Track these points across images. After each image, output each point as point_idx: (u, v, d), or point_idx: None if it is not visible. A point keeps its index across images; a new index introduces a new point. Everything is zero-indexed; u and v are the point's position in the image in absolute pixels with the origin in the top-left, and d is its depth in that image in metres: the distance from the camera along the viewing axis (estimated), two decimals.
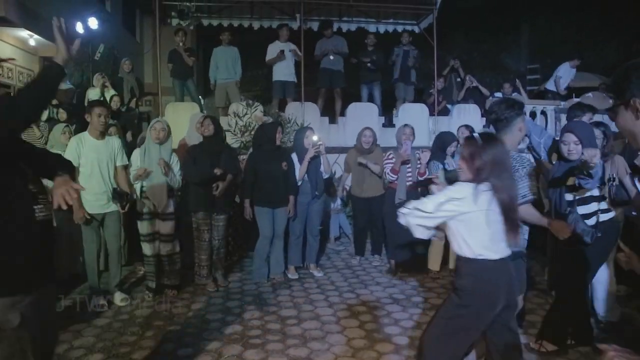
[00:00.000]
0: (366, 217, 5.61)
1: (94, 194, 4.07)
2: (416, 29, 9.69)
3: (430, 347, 2.39)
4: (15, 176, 1.84)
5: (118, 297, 4.37)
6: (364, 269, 5.39)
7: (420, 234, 2.33)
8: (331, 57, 7.95)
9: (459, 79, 8.63)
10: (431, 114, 8.27)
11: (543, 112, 8.20)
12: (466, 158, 2.31)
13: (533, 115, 7.96)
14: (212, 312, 4.11)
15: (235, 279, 5.02)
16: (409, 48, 8.48)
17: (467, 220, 2.25)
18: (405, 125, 5.31)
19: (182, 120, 7.00)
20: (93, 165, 4.09)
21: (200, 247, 4.69)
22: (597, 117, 4.51)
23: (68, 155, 4.09)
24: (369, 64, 8.13)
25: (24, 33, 9.81)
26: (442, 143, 4.96)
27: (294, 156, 5.12)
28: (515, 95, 8.59)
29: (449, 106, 8.73)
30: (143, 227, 4.45)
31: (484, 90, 8.95)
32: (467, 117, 7.93)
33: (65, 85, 7.89)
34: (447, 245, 5.28)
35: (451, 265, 5.15)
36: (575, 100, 7.80)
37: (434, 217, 2.26)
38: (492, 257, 2.26)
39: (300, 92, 8.08)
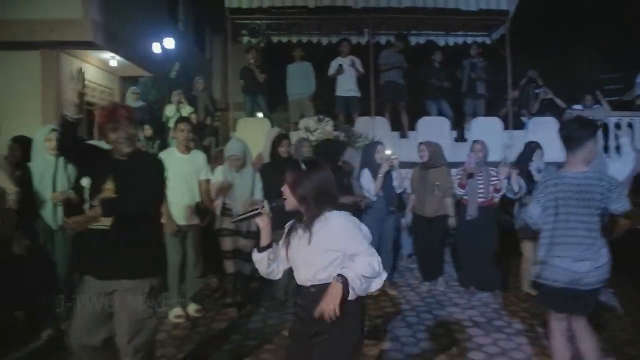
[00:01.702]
0: (427, 238, 5.30)
1: (178, 207, 4.19)
2: (487, 40, 9.44)
3: None
4: None
5: (193, 308, 4.45)
6: (439, 289, 5.20)
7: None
8: (397, 72, 7.90)
9: (537, 91, 8.25)
10: (506, 127, 7.96)
11: (629, 125, 7.67)
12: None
13: (618, 127, 7.47)
14: (287, 328, 4.09)
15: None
16: (477, 60, 8.24)
17: None
18: (475, 141, 5.18)
19: (252, 134, 7.13)
20: (179, 178, 4.19)
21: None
22: None
23: None
24: (436, 81, 7.97)
25: (107, 55, 10.46)
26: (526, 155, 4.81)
27: (366, 171, 5.05)
28: (596, 107, 8.10)
29: (523, 119, 8.37)
30: (225, 243, 4.44)
31: (560, 102, 8.50)
32: (544, 130, 7.53)
33: (137, 104, 8.30)
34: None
35: (525, 287, 4.90)
36: None
37: None
38: None
39: (366, 107, 8.04)
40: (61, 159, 3.90)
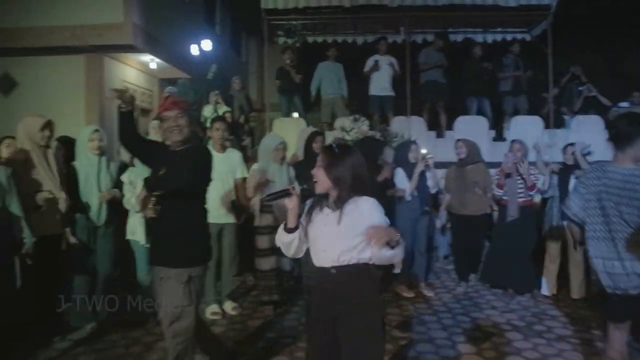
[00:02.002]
0: (466, 237, 5.23)
1: (214, 205, 4.25)
2: (527, 37, 9.18)
3: None
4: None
5: (229, 306, 4.51)
6: (476, 291, 5.10)
7: None
8: (437, 71, 7.77)
9: (580, 88, 7.95)
10: (547, 126, 7.72)
11: None
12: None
13: None
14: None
15: None
16: (518, 58, 8.01)
17: None
18: (514, 140, 5.09)
19: (288, 134, 7.15)
20: (215, 177, 4.23)
21: (309, 261, 4.70)
22: None
23: None
24: (479, 77, 7.79)
25: (147, 57, 10.74)
26: None
27: (400, 170, 5.00)
28: None
29: (566, 118, 8.09)
30: (262, 241, 4.43)
31: (604, 100, 8.15)
32: (588, 130, 7.29)
33: None
34: (564, 269, 4.88)
35: (575, 294, 4.74)
36: None
37: None
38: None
39: (401, 106, 7.96)
40: (104, 158, 4.04)
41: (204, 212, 2.90)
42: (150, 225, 2.80)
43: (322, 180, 2.18)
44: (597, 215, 2.57)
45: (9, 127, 4.36)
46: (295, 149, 5.51)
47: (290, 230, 2.25)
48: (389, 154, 5.55)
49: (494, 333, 3.98)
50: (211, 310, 4.40)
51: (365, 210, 2.14)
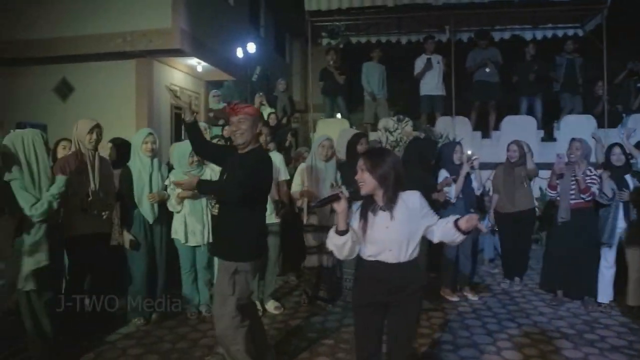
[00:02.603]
0: (514, 235, 5.14)
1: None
2: (579, 32, 8.82)
3: None
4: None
5: (272, 305, 4.57)
6: (523, 296, 4.93)
7: None
8: (487, 70, 7.56)
9: (638, 85, 7.55)
10: (600, 125, 7.38)
11: None
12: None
13: None
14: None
15: None
16: (574, 56, 7.71)
17: None
18: (574, 139, 4.84)
19: (332, 135, 7.17)
20: None
21: (349, 261, 4.71)
22: None
23: None
24: (532, 77, 7.54)
25: (193, 61, 11.06)
26: None
27: (443, 172, 4.91)
28: None
29: (622, 116, 7.70)
30: (309, 239, 4.57)
31: None
32: None
33: (219, 106, 8.69)
34: (619, 275, 4.62)
35: (631, 301, 4.47)
36: None
37: None
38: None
39: (449, 106, 7.82)
40: (156, 160, 4.19)
41: (261, 212, 3.09)
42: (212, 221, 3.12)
43: (368, 182, 2.33)
44: None
45: (66, 131, 4.60)
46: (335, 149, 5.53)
47: (342, 233, 2.33)
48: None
49: (542, 340, 3.83)
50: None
51: (415, 203, 2.38)
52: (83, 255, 3.77)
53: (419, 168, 4.48)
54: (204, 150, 3.25)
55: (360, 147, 4.58)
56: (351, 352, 3.59)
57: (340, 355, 3.57)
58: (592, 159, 4.99)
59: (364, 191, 2.34)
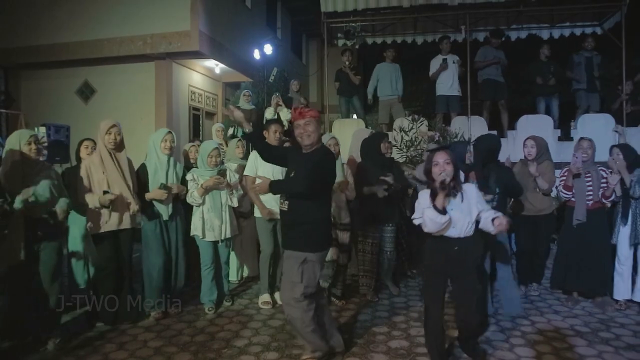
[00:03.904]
0: (530, 239, 4.93)
1: (269, 202, 4.47)
2: (598, 30, 8.73)
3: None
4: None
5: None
6: (538, 294, 4.93)
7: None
8: (496, 69, 7.57)
9: None
10: (619, 124, 7.30)
11: None
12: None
13: None
14: (378, 325, 4.13)
15: (399, 294, 5.00)
16: (592, 54, 7.63)
17: None
18: (582, 138, 4.73)
19: (347, 135, 7.25)
20: (270, 176, 4.41)
21: (366, 258, 4.79)
22: None
23: (249, 166, 4.60)
24: (550, 78, 7.49)
25: (211, 63, 11.23)
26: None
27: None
28: None
29: None
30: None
31: None
32: None
33: (248, 106, 8.82)
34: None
35: None
36: None
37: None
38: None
39: (464, 106, 7.82)
40: (172, 158, 4.32)
41: (326, 206, 3.37)
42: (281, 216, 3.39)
43: (449, 172, 2.99)
44: None
45: (89, 132, 4.77)
46: (349, 149, 5.60)
47: (443, 212, 2.98)
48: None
49: (556, 338, 3.84)
50: (262, 300, 4.64)
51: (474, 191, 3.16)
52: (107, 251, 3.95)
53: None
54: (267, 155, 3.54)
55: (384, 146, 4.74)
56: (366, 348, 3.66)
57: (355, 350, 3.62)
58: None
59: (448, 179, 2.95)
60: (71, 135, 6.36)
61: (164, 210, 4.24)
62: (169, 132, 4.32)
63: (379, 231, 4.77)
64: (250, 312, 4.50)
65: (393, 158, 5.08)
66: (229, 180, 4.52)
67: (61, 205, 3.61)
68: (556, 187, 4.79)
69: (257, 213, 4.63)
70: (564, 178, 4.64)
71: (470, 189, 3.14)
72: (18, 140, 3.50)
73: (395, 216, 4.86)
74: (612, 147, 4.70)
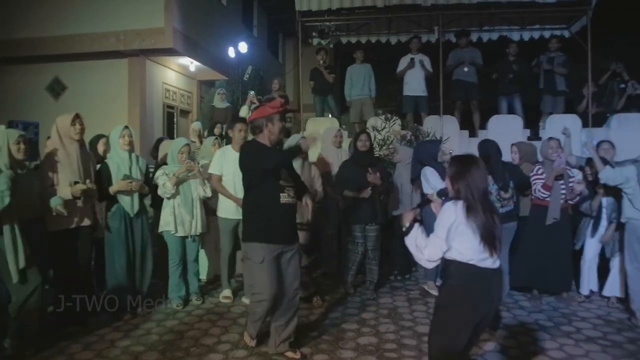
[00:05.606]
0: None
1: (230, 201, 4.49)
2: (566, 33, 8.95)
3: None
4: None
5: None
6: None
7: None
8: (465, 69, 7.68)
9: (622, 85, 7.67)
10: (585, 125, 7.51)
11: None
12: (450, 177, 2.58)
13: None
14: (348, 322, 4.17)
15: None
16: (556, 54, 7.82)
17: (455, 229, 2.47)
18: (550, 138, 4.80)
19: (320, 134, 7.30)
20: (232, 175, 4.44)
21: (349, 257, 4.88)
22: None
23: (214, 164, 4.59)
24: (510, 76, 7.65)
25: (186, 60, 11.12)
26: None
27: (431, 169, 4.90)
28: None
29: (607, 116, 7.83)
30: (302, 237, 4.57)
31: None
32: (629, 128, 7.06)
33: (223, 105, 8.78)
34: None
35: (607, 291, 4.61)
36: None
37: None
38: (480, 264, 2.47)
39: (435, 106, 7.93)
40: (133, 154, 4.29)
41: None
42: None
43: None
44: None
45: None
46: (321, 148, 5.63)
47: None
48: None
49: (520, 332, 3.95)
50: (223, 295, 4.72)
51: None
52: (67, 249, 3.87)
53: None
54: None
55: (360, 144, 4.79)
56: (334, 344, 3.69)
57: (324, 347, 3.66)
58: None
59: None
60: (40, 132, 6.24)
61: (130, 207, 4.19)
62: (126, 127, 4.27)
63: (363, 230, 4.80)
64: (221, 310, 4.49)
65: (374, 154, 5.13)
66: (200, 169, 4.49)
67: (56, 202, 3.58)
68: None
69: (220, 213, 4.64)
70: (540, 177, 4.60)
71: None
72: (6, 139, 3.36)
73: (379, 216, 4.87)
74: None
